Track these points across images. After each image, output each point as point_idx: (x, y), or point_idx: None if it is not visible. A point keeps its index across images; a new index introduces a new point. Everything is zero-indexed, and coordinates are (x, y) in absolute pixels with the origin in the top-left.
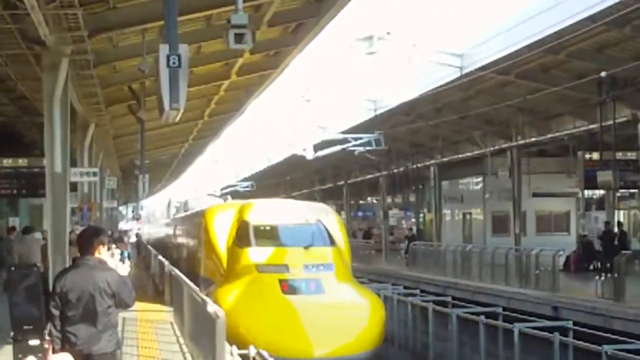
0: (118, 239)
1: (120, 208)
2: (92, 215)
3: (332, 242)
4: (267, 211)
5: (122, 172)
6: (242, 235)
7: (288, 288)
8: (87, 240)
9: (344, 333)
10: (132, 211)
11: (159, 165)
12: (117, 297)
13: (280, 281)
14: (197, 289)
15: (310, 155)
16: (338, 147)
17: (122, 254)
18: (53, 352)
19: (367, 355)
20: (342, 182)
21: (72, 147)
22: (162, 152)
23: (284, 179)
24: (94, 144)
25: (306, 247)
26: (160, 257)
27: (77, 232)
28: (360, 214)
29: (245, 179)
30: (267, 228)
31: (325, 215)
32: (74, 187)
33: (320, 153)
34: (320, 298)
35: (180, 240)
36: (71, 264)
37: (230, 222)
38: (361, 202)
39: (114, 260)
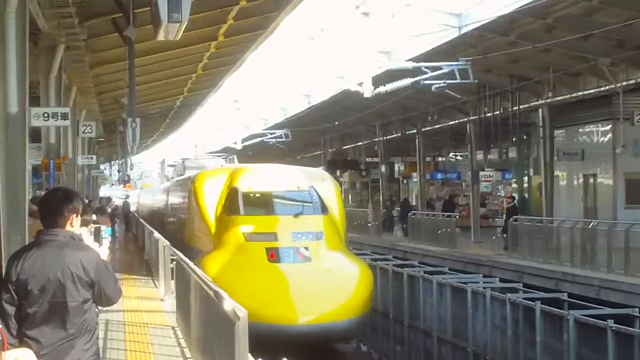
0: (98, 209)
1: (103, 167)
2: (62, 175)
3: (324, 210)
4: (258, 178)
5: (103, 117)
6: (231, 203)
7: (275, 256)
8: (54, 208)
9: (328, 301)
10: (118, 171)
11: (155, 112)
12: (97, 288)
13: (268, 249)
14: (208, 280)
15: (368, 91)
16: (408, 81)
17: (98, 231)
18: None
19: (351, 322)
20: (413, 131)
21: (33, 80)
22: (159, 91)
23: (330, 125)
24: (63, 75)
25: (296, 215)
26: (156, 234)
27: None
28: (438, 176)
29: (274, 127)
30: (257, 195)
31: (320, 182)
32: (36, 135)
33: (383, 88)
34: (306, 266)
35: (173, 209)
36: (32, 240)
37: (220, 189)
38: (440, 158)
39: (90, 239)
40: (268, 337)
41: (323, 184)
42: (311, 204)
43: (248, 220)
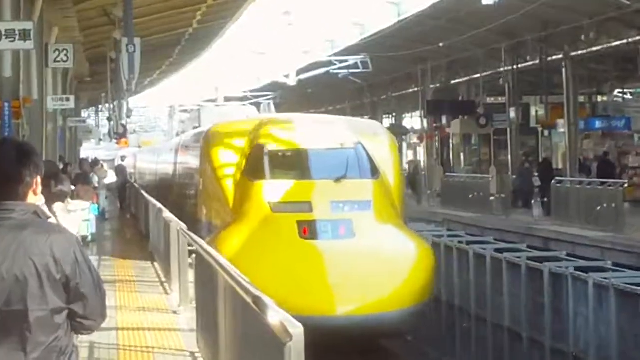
0: (79, 176)
1: (85, 114)
2: (22, 126)
3: (374, 173)
4: (290, 132)
5: (85, 39)
6: (254, 165)
7: (309, 232)
8: (7, 169)
9: (376, 287)
10: (108, 120)
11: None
12: (73, 290)
13: (300, 223)
14: (245, 280)
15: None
16: None
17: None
18: None
19: (404, 313)
20: (558, 56)
21: None
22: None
23: (431, 48)
24: None
25: (337, 180)
26: (166, 213)
27: None
28: (597, 124)
29: (346, 52)
30: (288, 154)
31: (372, 138)
32: None
33: None
34: (349, 244)
35: (184, 176)
36: None
37: (240, 147)
38: (599, 98)
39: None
40: None
41: (375, 140)
42: (358, 166)
43: (276, 187)
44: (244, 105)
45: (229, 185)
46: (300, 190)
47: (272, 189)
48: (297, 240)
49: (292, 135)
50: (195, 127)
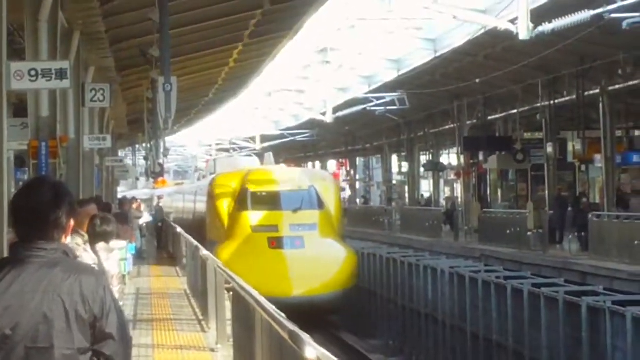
0: (118, 215)
1: (122, 154)
2: (59, 165)
3: (320, 206)
4: (264, 179)
5: (122, 79)
6: (242, 201)
7: (276, 244)
8: (42, 208)
9: (317, 278)
10: (146, 160)
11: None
12: (99, 331)
13: (269, 238)
14: (281, 315)
15: (525, 31)
16: (587, 14)
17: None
18: None
19: (336, 294)
20: (595, 91)
21: (15, 22)
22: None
23: (468, 84)
24: (60, 14)
25: (294, 211)
26: (203, 251)
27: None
28: (634, 158)
29: (383, 88)
30: (263, 194)
31: (321, 182)
32: (19, 106)
33: (548, 27)
34: (300, 251)
35: (199, 209)
36: (6, 257)
37: (233, 189)
38: (637, 132)
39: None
40: None
41: (323, 184)
42: (309, 201)
43: (255, 215)
44: (249, 156)
45: (224, 215)
46: (270, 218)
47: (253, 217)
48: (268, 249)
49: (266, 181)
50: (212, 174)
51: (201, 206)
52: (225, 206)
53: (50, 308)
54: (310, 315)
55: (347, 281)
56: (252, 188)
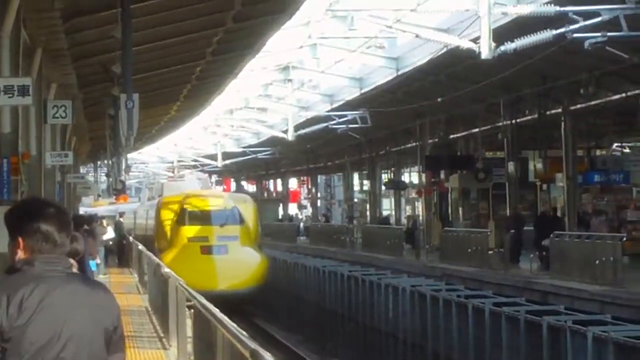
0: (87, 232)
1: (83, 170)
2: (21, 182)
3: (241, 222)
4: (198, 201)
5: (84, 95)
6: (181, 218)
7: (206, 251)
8: (53, 233)
9: (236, 276)
10: (107, 176)
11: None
12: (115, 341)
13: (201, 247)
14: (243, 334)
15: (487, 50)
16: (548, 34)
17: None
18: None
19: (250, 289)
20: (557, 110)
21: None
22: (166, 55)
23: (430, 103)
24: (22, 30)
25: (221, 225)
26: (165, 269)
27: None
28: (595, 177)
29: (345, 106)
30: (197, 212)
31: (242, 203)
32: None
33: (510, 46)
34: (224, 256)
35: (150, 224)
36: (19, 272)
37: (174, 208)
38: (598, 152)
39: None
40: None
41: (244, 205)
42: (233, 218)
43: (190, 229)
44: (197, 178)
45: (168, 229)
46: (202, 231)
47: (189, 230)
48: (200, 255)
49: (200, 202)
50: (159, 195)
51: (151, 222)
52: (168, 221)
53: (84, 321)
54: (231, 304)
55: (259, 280)
56: (188, 208)
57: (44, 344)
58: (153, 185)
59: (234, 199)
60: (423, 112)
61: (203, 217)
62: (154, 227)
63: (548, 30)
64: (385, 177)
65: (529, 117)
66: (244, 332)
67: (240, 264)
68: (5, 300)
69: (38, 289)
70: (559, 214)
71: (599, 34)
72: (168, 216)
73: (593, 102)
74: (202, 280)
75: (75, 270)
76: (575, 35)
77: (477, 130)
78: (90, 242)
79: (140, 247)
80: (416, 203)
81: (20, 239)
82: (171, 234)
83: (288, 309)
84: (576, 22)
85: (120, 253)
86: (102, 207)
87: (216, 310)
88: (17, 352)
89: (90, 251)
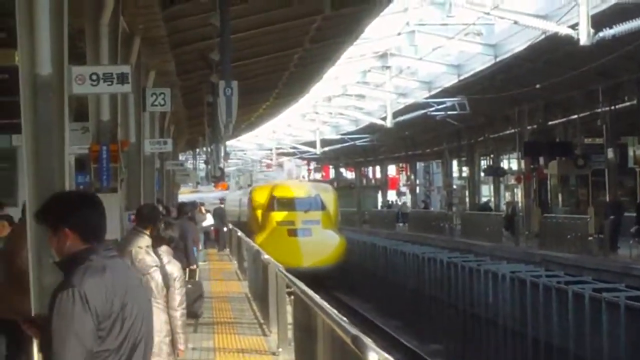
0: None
1: (182, 157)
2: (121, 169)
3: (323, 208)
4: (286, 190)
5: (182, 83)
6: (270, 204)
7: (292, 233)
8: (103, 222)
9: (319, 255)
10: (206, 164)
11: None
12: None
13: (288, 230)
14: (344, 320)
15: (585, 37)
16: None
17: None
18: None
19: (332, 266)
20: None
21: (76, 27)
22: (265, 42)
23: (528, 90)
24: (121, 19)
25: (305, 211)
26: (265, 256)
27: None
28: None
29: (442, 94)
30: (285, 199)
31: (324, 192)
32: (80, 110)
33: (609, 32)
34: (308, 238)
35: (244, 210)
36: (92, 259)
37: (265, 196)
38: None
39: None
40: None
41: (325, 193)
42: (316, 204)
43: (279, 214)
44: (295, 165)
45: (259, 214)
46: (289, 216)
47: (278, 215)
48: (287, 237)
49: (286, 191)
50: (248, 185)
51: (241, 209)
52: (259, 208)
53: (144, 298)
54: (313, 278)
55: (339, 258)
56: (277, 196)
57: (134, 324)
58: (242, 175)
59: (317, 187)
60: (521, 99)
61: (289, 204)
62: (247, 212)
63: None
64: (484, 163)
65: (628, 104)
66: (345, 319)
67: (322, 245)
68: (103, 291)
69: (116, 276)
70: None
71: None
72: (260, 203)
73: None
74: (289, 259)
75: (171, 257)
76: None
77: (575, 116)
78: (193, 228)
79: (240, 233)
80: (515, 189)
81: (68, 230)
82: (262, 218)
83: (387, 295)
84: None
85: (219, 239)
86: (184, 196)
87: (317, 297)
88: (119, 330)
89: (194, 238)
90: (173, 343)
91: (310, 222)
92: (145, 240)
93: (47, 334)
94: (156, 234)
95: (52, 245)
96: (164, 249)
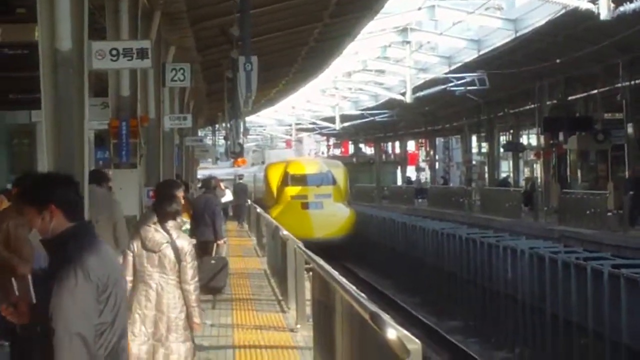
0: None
1: (201, 133)
2: (140, 145)
3: (334, 182)
4: (299, 166)
5: (202, 58)
6: (285, 180)
7: (305, 207)
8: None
9: (330, 227)
10: (226, 140)
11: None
12: None
13: (301, 203)
14: (362, 297)
15: (606, 10)
16: None
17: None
18: None
19: (342, 237)
20: None
21: (95, 2)
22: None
23: (548, 64)
24: None
25: (317, 186)
26: (283, 231)
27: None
28: None
29: (462, 69)
30: (298, 175)
31: (335, 168)
32: (99, 86)
33: (630, 6)
34: (320, 210)
35: (259, 186)
36: (84, 232)
37: (279, 172)
38: None
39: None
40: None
41: (336, 169)
42: (327, 180)
43: (293, 189)
44: (315, 141)
45: (274, 189)
46: (302, 190)
47: (292, 190)
48: (300, 210)
49: (299, 167)
50: (262, 162)
51: (257, 185)
52: (274, 183)
53: (124, 282)
54: (325, 248)
55: (348, 229)
56: (290, 172)
57: (123, 301)
58: (257, 152)
59: (328, 164)
60: (541, 74)
61: (302, 180)
62: (263, 187)
63: None
64: (503, 139)
65: None
66: (363, 295)
67: (332, 217)
68: (102, 264)
69: (105, 252)
70: None
71: None
72: (274, 179)
73: None
74: (302, 230)
75: (180, 231)
76: None
77: (595, 91)
78: (218, 203)
79: (259, 210)
80: (534, 165)
81: (54, 207)
82: (277, 193)
83: (406, 271)
84: None
85: (239, 215)
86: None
87: (335, 273)
88: (113, 304)
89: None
90: (188, 318)
91: (322, 196)
92: (154, 218)
93: (43, 311)
94: (161, 210)
95: (35, 226)
96: (171, 224)
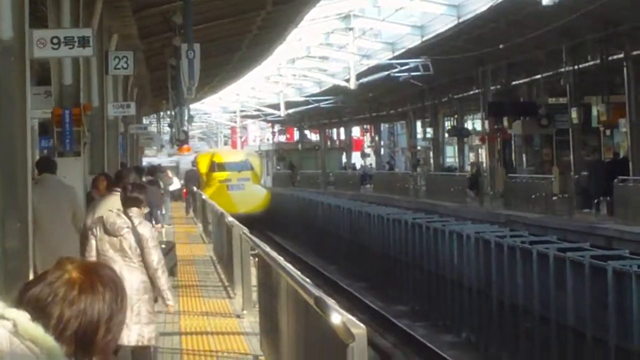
0: (151, 182)
1: (146, 121)
2: (84, 133)
3: (251, 168)
4: (224, 155)
5: (145, 46)
6: (212, 167)
7: (229, 188)
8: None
9: (251, 204)
10: (170, 127)
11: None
12: None
13: (227, 185)
14: (307, 282)
15: None
16: None
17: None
18: None
19: (260, 212)
20: (619, 56)
21: None
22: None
23: (491, 50)
24: None
25: (239, 171)
26: (229, 218)
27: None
28: None
29: (406, 55)
30: (222, 163)
31: (252, 156)
32: (42, 75)
33: None
34: (241, 191)
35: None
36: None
37: (207, 161)
38: None
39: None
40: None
41: (253, 157)
42: (246, 166)
43: (219, 175)
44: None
45: (204, 175)
46: (227, 175)
47: (219, 175)
48: (227, 191)
49: (224, 156)
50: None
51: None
52: (204, 170)
53: None
54: (247, 221)
55: (265, 206)
56: (217, 161)
57: None
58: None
59: (246, 153)
60: (485, 59)
61: (226, 167)
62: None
63: None
64: (448, 124)
65: (591, 63)
66: (308, 280)
67: (252, 196)
68: None
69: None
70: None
71: None
72: (203, 166)
73: None
74: (229, 207)
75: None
76: None
77: (539, 76)
78: (155, 191)
79: (204, 196)
80: (480, 150)
81: None
82: (207, 178)
83: (352, 257)
84: None
85: (188, 203)
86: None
87: (280, 259)
88: None
89: (157, 201)
90: (155, 301)
91: (242, 180)
92: (117, 203)
93: None
94: (123, 197)
95: None
96: (134, 211)
